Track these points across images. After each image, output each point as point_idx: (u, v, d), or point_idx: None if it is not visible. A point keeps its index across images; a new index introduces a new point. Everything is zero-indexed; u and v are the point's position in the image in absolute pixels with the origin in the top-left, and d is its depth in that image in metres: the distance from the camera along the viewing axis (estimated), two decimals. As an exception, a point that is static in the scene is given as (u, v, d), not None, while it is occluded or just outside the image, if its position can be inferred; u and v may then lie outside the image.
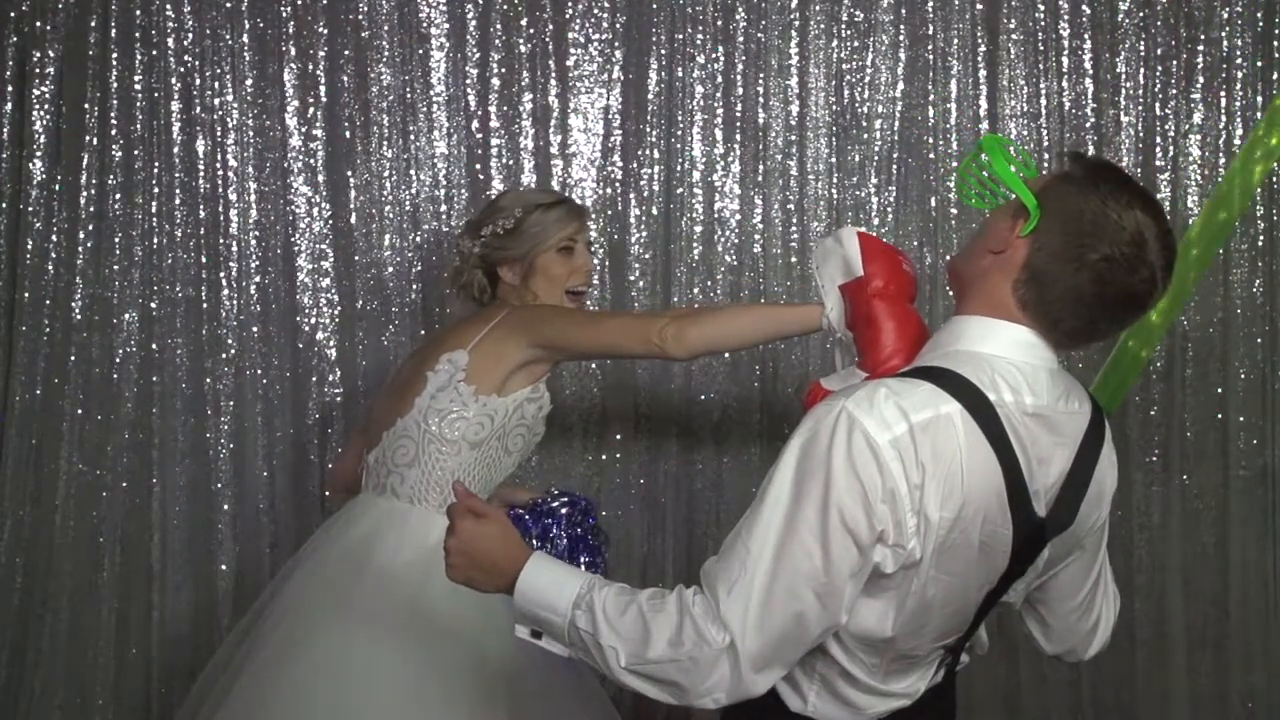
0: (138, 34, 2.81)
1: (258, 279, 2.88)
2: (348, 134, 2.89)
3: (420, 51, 2.89)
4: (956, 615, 1.53)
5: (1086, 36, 2.99)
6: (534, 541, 2.29)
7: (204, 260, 2.87)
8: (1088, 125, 3.01)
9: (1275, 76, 3.00)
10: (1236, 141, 3.00)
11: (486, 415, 2.17)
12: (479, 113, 2.92)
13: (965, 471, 1.42)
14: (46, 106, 2.80)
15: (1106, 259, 1.44)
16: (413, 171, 2.91)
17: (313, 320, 2.90)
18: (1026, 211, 1.50)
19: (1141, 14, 2.98)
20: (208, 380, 2.87)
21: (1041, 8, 2.97)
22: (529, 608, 1.47)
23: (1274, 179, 3.01)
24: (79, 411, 2.83)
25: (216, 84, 2.85)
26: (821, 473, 1.39)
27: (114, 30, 2.80)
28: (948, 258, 1.71)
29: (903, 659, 1.53)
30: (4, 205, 2.82)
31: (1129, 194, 1.46)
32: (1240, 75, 3.00)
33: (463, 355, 2.18)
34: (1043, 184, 1.52)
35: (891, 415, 1.40)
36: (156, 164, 2.84)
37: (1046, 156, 3.00)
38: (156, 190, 2.85)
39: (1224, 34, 2.99)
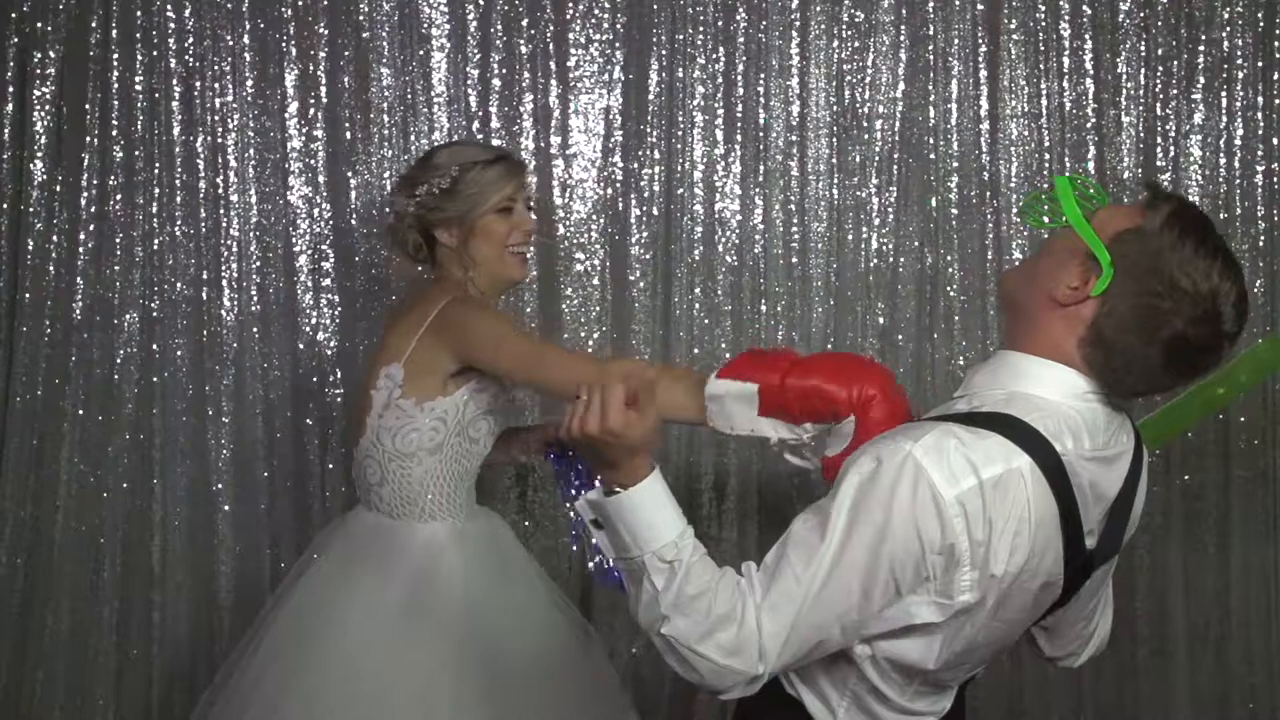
0: (138, 35, 2.81)
1: (258, 279, 2.88)
2: (348, 134, 2.89)
3: (421, 52, 2.89)
4: (1000, 649, 1.54)
5: (1087, 37, 2.99)
6: (575, 483, 2.23)
7: (205, 260, 2.86)
8: (1088, 125, 3.01)
9: (1276, 77, 3.00)
10: (1237, 141, 3.01)
11: (438, 420, 2.13)
12: (479, 113, 2.92)
13: (1034, 525, 1.40)
14: (47, 107, 2.80)
15: (1179, 336, 1.40)
16: (413, 172, 2.91)
17: (313, 320, 2.90)
18: (1097, 264, 1.42)
19: (1142, 14, 2.99)
20: (208, 380, 2.87)
21: (1042, 8, 2.97)
22: (616, 518, 1.39)
23: (1274, 179, 3.01)
24: (80, 412, 2.83)
25: (217, 84, 2.85)
26: (879, 516, 1.36)
27: (115, 31, 2.80)
28: (1002, 272, 1.66)
29: (935, 683, 1.53)
30: (5, 205, 2.82)
31: (1208, 255, 1.39)
32: (1241, 75, 3.00)
33: (398, 370, 2.12)
34: (1116, 232, 1.43)
35: (960, 468, 1.36)
36: (157, 164, 2.84)
37: (1047, 157, 3.00)
38: (157, 191, 2.85)
39: (1225, 34, 2.99)
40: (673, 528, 1.40)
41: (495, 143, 2.92)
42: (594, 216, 2.96)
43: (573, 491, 2.23)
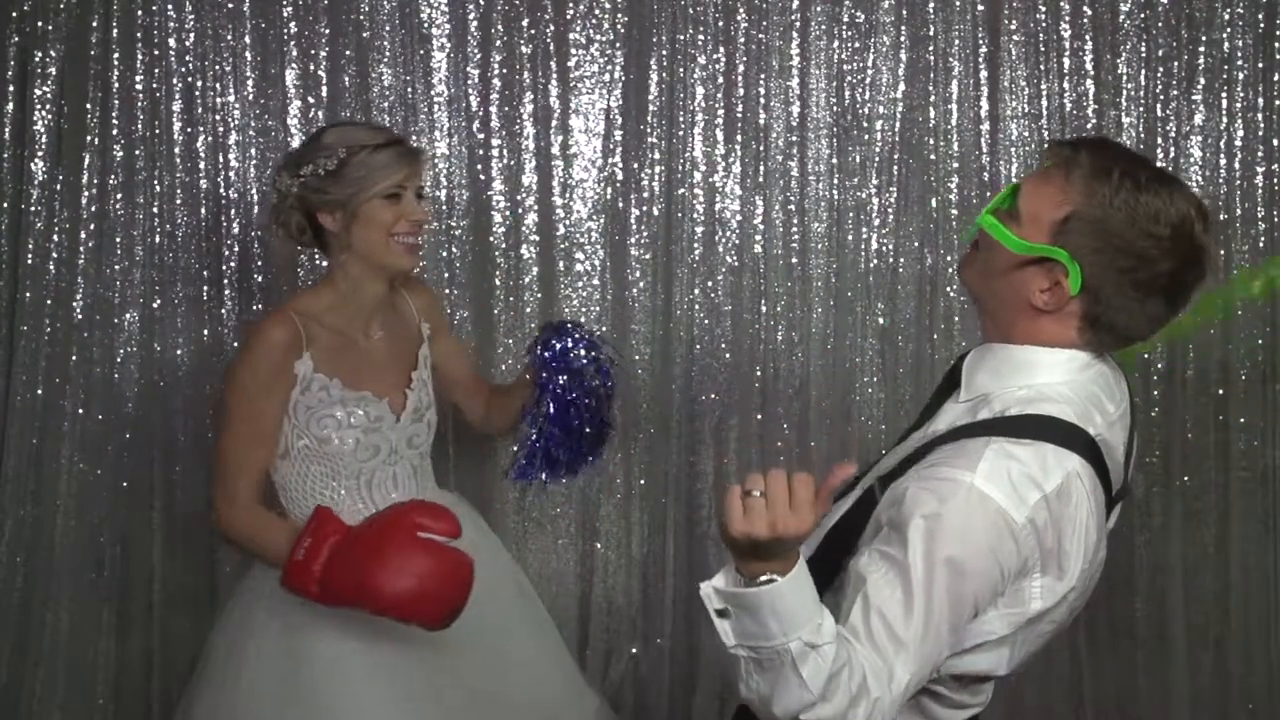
0: (139, 34, 2.81)
1: (259, 279, 2.87)
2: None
3: (421, 52, 2.89)
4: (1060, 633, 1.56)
5: (1088, 37, 2.99)
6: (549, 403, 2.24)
7: (205, 260, 2.86)
8: (1089, 126, 3.01)
9: (1276, 78, 3.00)
10: (1238, 142, 3.01)
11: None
12: (480, 113, 2.92)
13: (1096, 516, 1.42)
14: (48, 106, 2.80)
15: (1173, 278, 1.41)
16: (414, 172, 2.91)
17: (314, 320, 2.89)
18: (1057, 266, 1.43)
19: (1143, 15, 2.98)
20: (208, 380, 2.86)
21: (1043, 9, 2.97)
22: (765, 608, 1.27)
23: (1274, 180, 3.01)
24: (80, 411, 2.83)
25: (218, 84, 2.85)
26: (957, 556, 1.34)
27: (115, 30, 2.79)
28: (959, 267, 1.64)
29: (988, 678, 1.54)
30: (5, 205, 2.82)
31: (1149, 190, 1.39)
32: (1241, 76, 3.00)
33: None
34: (1052, 224, 1.43)
35: (1024, 488, 1.36)
36: (158, 164, 2.84)
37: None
38: (158, 190, 2.85)
39: (1225, 35, 2.99)
40: (818, 607, 1.31)
41: (495, 143, 2.92)
42: (594, 216, 2.96)
43: (523, 462, 2.27)
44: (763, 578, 1.27)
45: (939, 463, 1.41)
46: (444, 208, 2.91)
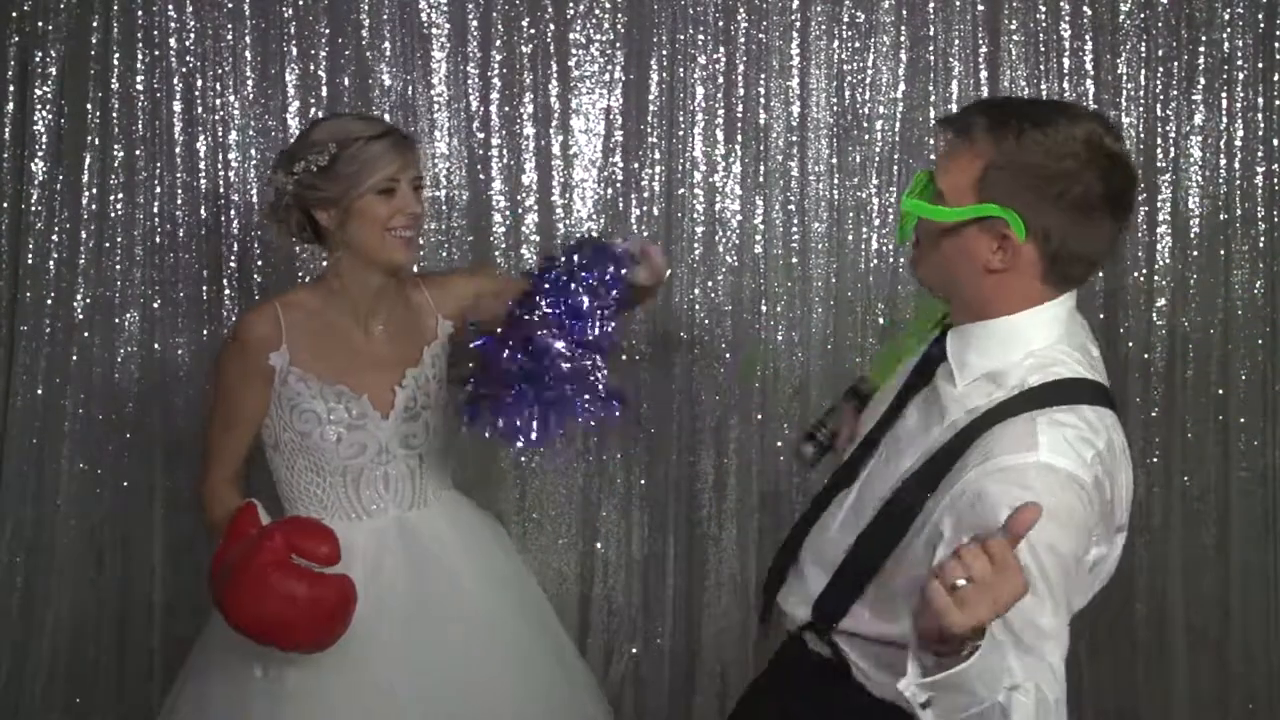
0: (139, 34, 2.81)
1: (259, 279, 2.88)
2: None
3: (421, 52, 2.89)
4: None
5: (1088, 37, 2.99)
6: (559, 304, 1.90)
7: (205, 260, 2.87)
8: (1088, 126, 3.00)
9: (1276, 78, 3.00)
10: (1238, 143, 3.00)
11: (268, 418, 2.13)
12: (480, 113, 2.92)
13: (1128, 461, 1.50)
14: (48, 106, 2.80)
15: (1108, 193, 1.44)
16: (414, 172, 2.91)
17: (314, 320, 2.90)
18: (996, 221, 1.45)
19: (1143, 15, 2.98)
20: (208, 380, 2.86)
21: (1043, 9, 2.97)
22: (972, 679, 1.24)
23: (1274, 180, 3.01)
24: (80, 411, 2.83)
25: (218, 84, 2.85)
26: (1052, 530, 1.33)
27: (116, 30, 2.80)
28: (914, 266, 1.64)
29: None
30: (5, 205, 2.82)
31: (1051, 121, 1.43)
32: (1241, 76, 3.00)
33: None
34: (974, 182, 1.45)
35: (1082, 450, 1.40)
36: (158, 164, 2.84)
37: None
38: (158, 190, 2.85)
39: (1225, 35, 2.99)
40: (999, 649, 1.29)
41: (495, 143, 2.92)
42: (594, 216, 2.96)
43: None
44: (966, 650, 1.23)
45: (996, 453, 1.41)
46: (444, 208, 2.92)
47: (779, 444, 2.98)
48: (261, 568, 1.80)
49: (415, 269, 2.46)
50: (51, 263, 2.82)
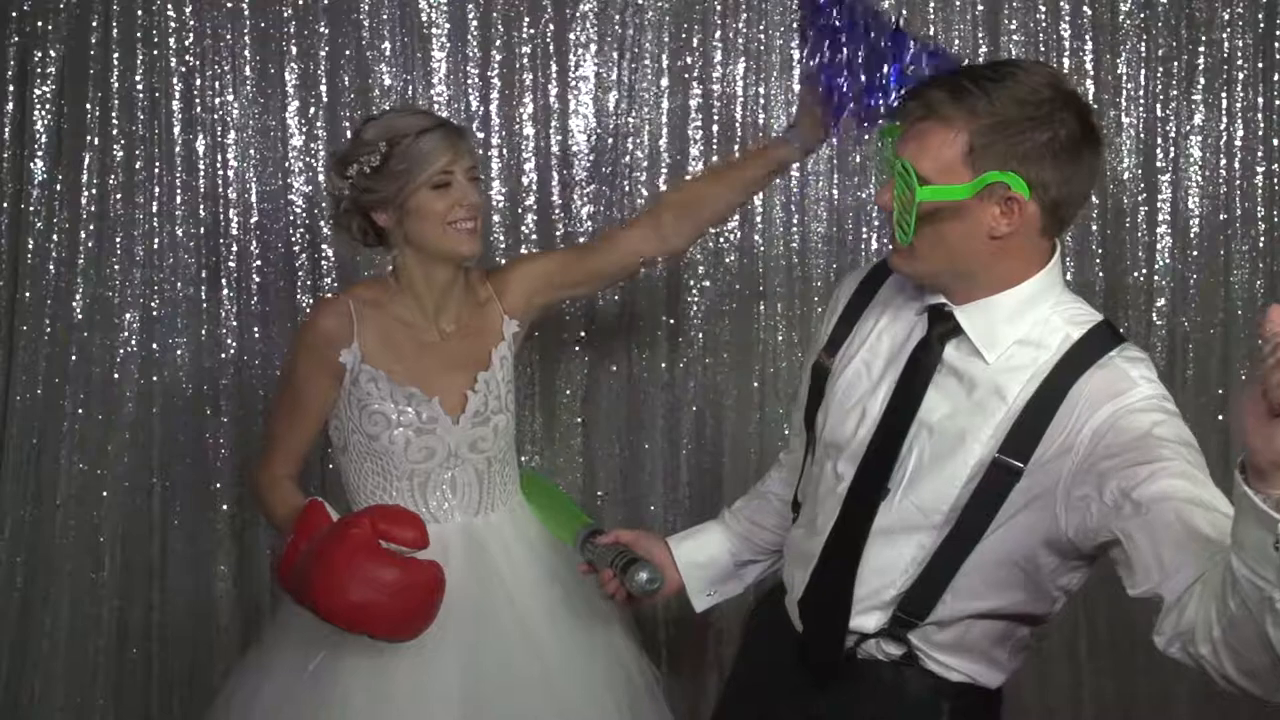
0: (139, 34, 2.81)
1: (259, 279, 2.88)
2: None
3: (421, 52, 2.89)
4: None
5: (1087, 37, 2.99)
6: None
7: (205, 260, 2.87)
8: (1088, 126, 3.00)
9: (1276, 78, 3.00)
10: (1237, 142, 3.01)
11: (336, 419, 2.10)
12: (480, 113, 2.92)
13: None
14: (47, 106, 2.80)
15: (1079, 124, 1.48)
16: (414, 172, 2.90)
17: (314, 320, 2.89)
18: (998, 186, 1.46)
19: (1143, 15, 2.98)
20: (208, 380, 2.87)
21: (1042, 9, 2.97)
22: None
23: (1274, 180, 3.01)
24: (79, 411, 2.83)
25: (217, 84, 2.85)
26: (1184, 431, 1.45)
27: (115, 30, 2.79)
28: (913, 268, 1.61)
29: None
30: (5, 205, 2.82)
31: (1005, 78, 1.46)
32: (1241, 76, 3.00)
33: None
34: (962, 155, 1.46)
35: (1154, 373, 1.52)
36: (157, 164, 2.84)
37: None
38: (157, 190, 2.85)
39: (1225, 35, 2.99)
40: None
41: (495, 142, 2.92)
42: (594, 216, 2.96)
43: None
44: None
45: (1104, 400, 1.46)
46: (444, 208, 2.91)
47: (779, 443, 2.98)
48: (353, 553, 1.74)
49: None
50: (51, 263, 2.82)
